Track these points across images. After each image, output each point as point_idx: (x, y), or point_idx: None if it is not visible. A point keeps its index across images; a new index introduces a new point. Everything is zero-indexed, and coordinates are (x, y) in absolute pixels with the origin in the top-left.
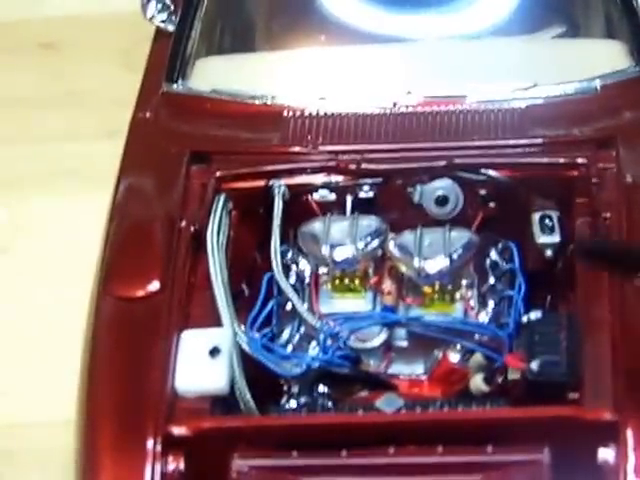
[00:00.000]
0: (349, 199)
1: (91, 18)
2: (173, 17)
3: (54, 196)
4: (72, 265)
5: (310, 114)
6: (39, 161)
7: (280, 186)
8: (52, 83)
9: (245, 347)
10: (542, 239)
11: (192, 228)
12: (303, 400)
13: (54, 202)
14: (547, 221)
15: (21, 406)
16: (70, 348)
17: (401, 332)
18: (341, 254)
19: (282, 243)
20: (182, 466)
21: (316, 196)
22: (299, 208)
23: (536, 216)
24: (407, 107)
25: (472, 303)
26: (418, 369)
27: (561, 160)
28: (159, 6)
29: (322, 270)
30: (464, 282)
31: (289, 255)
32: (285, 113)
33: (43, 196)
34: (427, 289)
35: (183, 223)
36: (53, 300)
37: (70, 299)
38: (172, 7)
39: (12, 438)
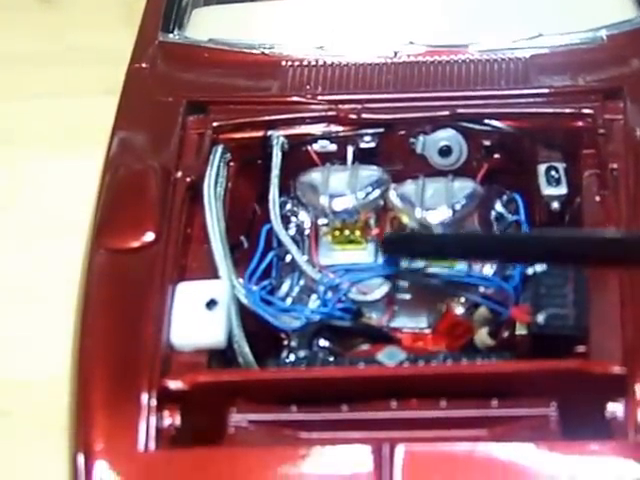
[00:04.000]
0: (350, 149)
1: None
2: None
3: (54, 152)
4: (72, 220)
5: (309, 63)
6: (38, 117)
7: (279, 136)
8: (51, 39)
9: (243, 300)
10: (548, 191)
11: (188, 179)
12: (303, 354)
13: (53, 158)
14: (553, 173)
15: (19, 362)
16: (70, 303)
17: (403, 284)
18: (341, 204)
19: (281, 194)
20: (178, 421)
21: (316, 146)
22: (298, 159)
23: (542, 168)
24: (409, 56)
25: None
26: (421, 322)
27: (567, 110)
28: None
29: (322, 221)
30: None
31: (288, 206)
32: (284, 62)
33: (43, 152)
34: None
35: (179, 174)
36: (52, 256)
37: (69, 254)
38: None
39: (8, 395)
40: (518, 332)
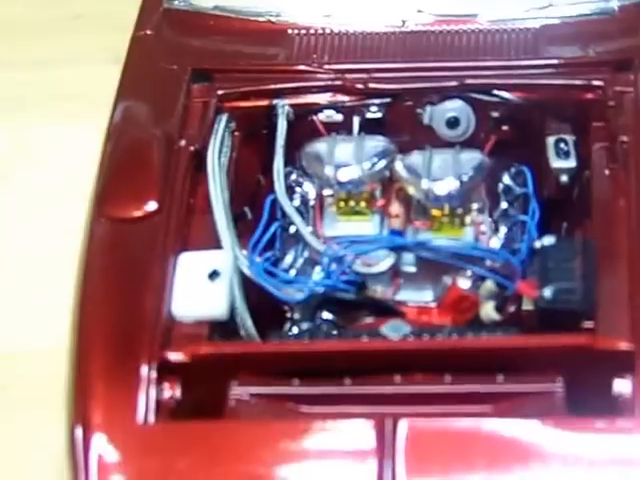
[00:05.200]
0: (356, 120)
1: None
2: None
3: (55, 121)
4: (73, 191)
5: (316, 31)
6: (40, 86)
7: (284, 105)
8: (54, 6)
9: (246, 271)
10: (557, 164)
11: (192, 148)
12: (306, 326)
13: (55, 127)
14: (562, 145)
15: (17, 334)
16: (67, 275)
17: (409, 257)
18: (346, 175)
19: (286, 165)
20: (178, 393)
21: (321, 116)
22: (304, 128)
23: (551, 140)
24: (417, 25)
25: (483, 228)
26: (427, 296)
27: (577, 82)
28: None
29: (327, 192)
30: (475, 206)
31: (293, 177)
32: (290, 30)
33: (44, 121)
34: (436, 212)
35: (183, 143)
36: (53, 225)
37: (70, 223)
38: None
39: (7, 368)
40: (525, 307)
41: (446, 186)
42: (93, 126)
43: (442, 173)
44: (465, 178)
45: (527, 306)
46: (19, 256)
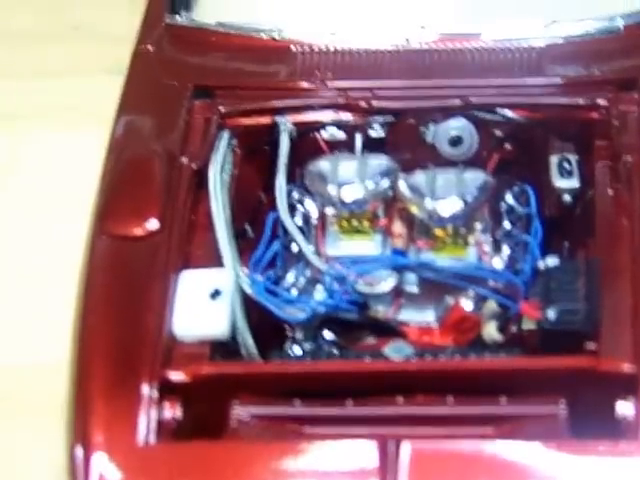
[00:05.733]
0: (359, 138)
1: None
2: None
3: (54, 131)
4: (71, 201)
5: (319, 49)
6: (39, 96)
7: (286, 123)
8: (53, 17)
9: (247, 290)
10: (560, 183)
11: (194, 165)
12: (308, 346)
13: (54, 137)
14: (565, 164)
15: (15, 347)
16: (67, 287)
17: (411, 277)
18: (349, 194)
19: (288, 182)
20: (179, 413)
21: (324, 134)
22: (306, 146)
23: (554, 159)
24: (420, 43)
25: (486, 248)
26: (429, 316)
27: (581, 101)
28: None
29: (329, 211)
30: (478, 226)
31: (295, 195)
32: (293, 48)
33: (42, 131)
34: (439, 232)
35: (184, 160)
36: (53, 237)
37: (69, 236)
38: None
39: (10, 378)
40: (525, 327)
41: (450, 206)
42: (92, 136)
43: (445, 193)
44: (469, 198)
45: (528, 325)
46: (20, 266)
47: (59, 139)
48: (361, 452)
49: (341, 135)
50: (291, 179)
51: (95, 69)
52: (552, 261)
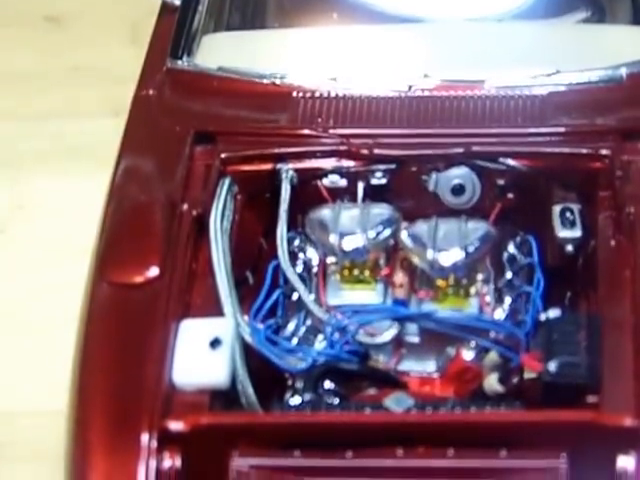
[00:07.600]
0: (360, 185)
1: None
2: None
3: (55, 174)
4: (72, 246)
5: (321, 95)
6: (40, 138)
7: (288, 170)
8: (55, 58)
9: (248, 339)
10: (562, 233)
11: (194, 212)
12: (308, 397)
13: (55, 180)
14: (568, 214)
15: (12, 394)
16: (67, 334)
17: (412, 327)
18: (351, 243)
19: (289, 230)
20: (179, 463)
21: (326, 181)
22: (308, 194)
23: (557, 209)
24: (423, 91)
25: (488, 299)
26: (430, 367)
27: (584, 151)
28: None
29: (331, 260)
30: (480, 276)
31: (296, 243)
32: (295, 93)
33: (44, 174)
34: (441, 282)
35: (185, 206)
36: (51, 283)
37: (69, 282)
38: None
39: (6, 425)
40: (526, 376)
41: (451, 257)
42: (92, 179)
43: (447, 244)
44: (471, 249)
45: (529, 375)
46: (20, 313)
47: (60, 183)
48: None
49: (343, 182)
50: (292, 226)
51: (97, 111)
52: (554, 313)
